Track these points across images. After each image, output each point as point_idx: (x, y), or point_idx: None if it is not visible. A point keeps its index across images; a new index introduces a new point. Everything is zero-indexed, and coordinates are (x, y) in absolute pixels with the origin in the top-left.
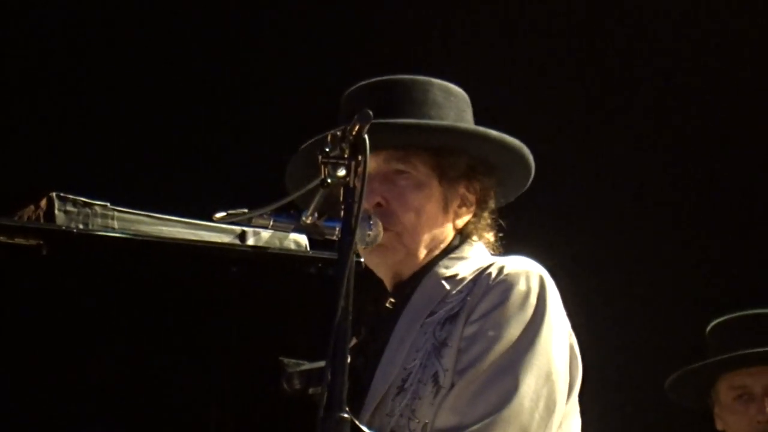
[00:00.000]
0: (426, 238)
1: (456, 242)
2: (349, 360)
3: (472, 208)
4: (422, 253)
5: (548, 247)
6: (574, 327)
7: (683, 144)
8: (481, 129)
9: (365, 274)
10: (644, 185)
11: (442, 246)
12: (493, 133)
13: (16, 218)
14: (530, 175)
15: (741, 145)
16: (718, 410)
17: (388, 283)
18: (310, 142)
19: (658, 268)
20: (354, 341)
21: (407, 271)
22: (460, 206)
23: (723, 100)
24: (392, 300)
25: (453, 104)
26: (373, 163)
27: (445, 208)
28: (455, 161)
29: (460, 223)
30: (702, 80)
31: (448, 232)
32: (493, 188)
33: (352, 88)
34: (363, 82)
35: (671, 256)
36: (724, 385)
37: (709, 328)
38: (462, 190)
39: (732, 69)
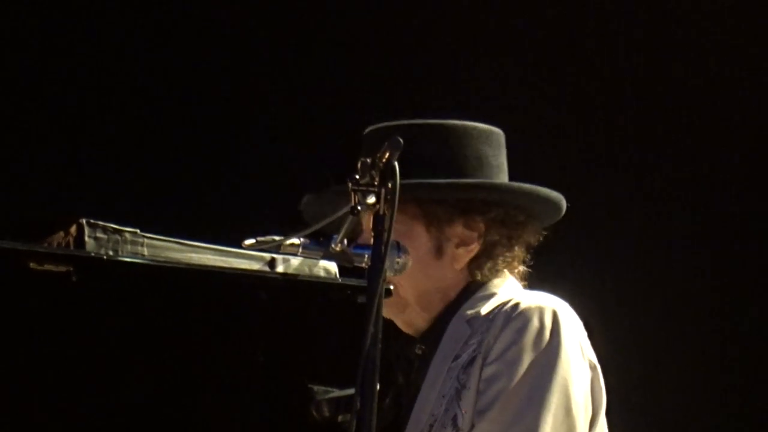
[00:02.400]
0: (428, 287)
1: (472, 283)
2: (387, 407)
3: (474, 246)
4: (432, 302)
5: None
6: (598, 353)
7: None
8: (462, 181)
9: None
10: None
11: (455, 290)
12: (480, 180)
13: (45, 244)
14: (551, 204)
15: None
16: None
17: (409, 332)
18: (326, 189)
19: (684, 297)
20: (392, 390)
21: (421, 320)
22: (458, 246)
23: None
24: (422, 346)
25: (443, 144)
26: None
27: (438, 253)
28: (441, 206)
29: (461, 263)
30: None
31: (448, 275)
32: (502, 220)
33: (370, 129)
34: (382, 124)
35: (699, 285)
36: None
37: None
38: (459, 229)
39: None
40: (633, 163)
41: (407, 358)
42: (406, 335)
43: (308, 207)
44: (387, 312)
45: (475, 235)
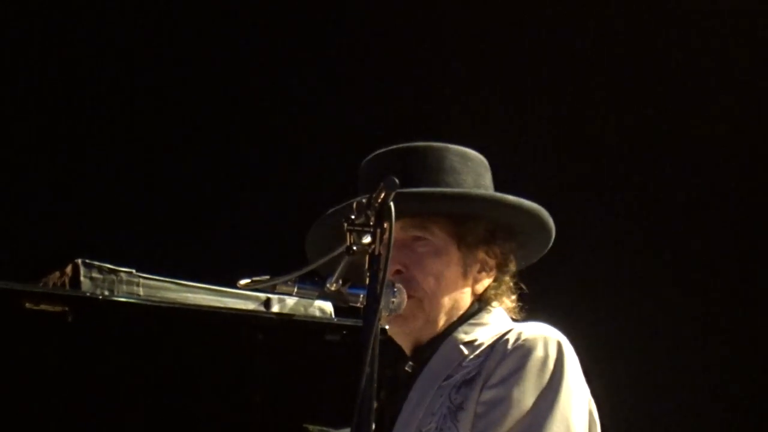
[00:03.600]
0: (446, 304)
1: (475, 308)
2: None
3: (493, 273)
4: (442, 319)
5: (568, 311)
6: (593, 390)
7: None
8: (498, 195)
9: (385, 338)
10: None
11: (461, 312)
12: (510, 198)
13: (41, 284)
14: (551, 237)
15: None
16: None
17: (407, 349)
18: (330, 211)
19: (678, 328)
20: (375, 404)
21: (426, 338)
22: (479, 271)
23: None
24: (411, 363)
25: (470, 169)
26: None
27: (465, 274)
28: (473, 227)
29: (480, 288)
30: (725, 147)
31: (467, 298)
32: (514, 252)
33: (370, 156)
34: (380, 151)
35: (692, 319)
36: None
37: None
38: (482, 255)
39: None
40: (612, 181)
41: (392, 376)
42: (393, 353)
43: (312, 241)
44: (406, 324)
45: (493, 263)
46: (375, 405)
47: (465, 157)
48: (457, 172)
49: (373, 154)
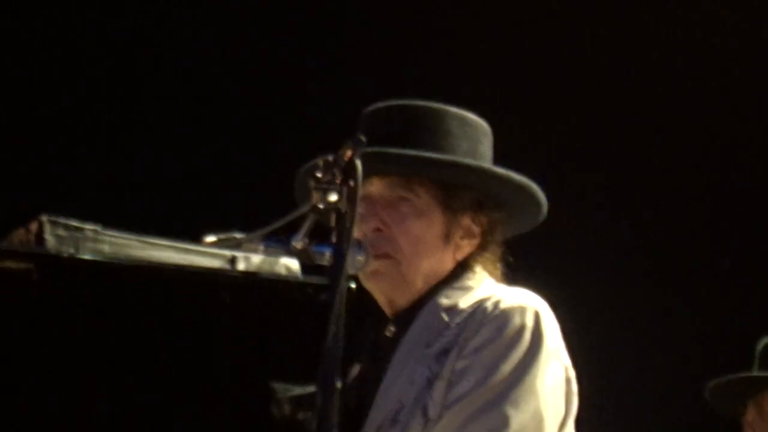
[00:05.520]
0: (424, 266)
1: (457, 272)
2: (349, 388)
3: (476, 241)
4: (419, 281)
5: (555, 278)
6: (573, 358)
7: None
8: (486, 166)
9: (366, 301)
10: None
11: (441, 276)
12: (499, 170)
13: (5, 242)
14: (542, 211)
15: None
16: (759, 422)
17: (386, 310)
18: (312, 163)
19: (663, 303)
20: (357, 369)
21: (404, 300)
22: (462, 238)
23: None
24: (392, 328)
25: (468, 134)
26: (376, 186)
27: (446, 239)
28: (460, 194)
29: (461, 254)
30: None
31: (447, 263)
32: (501, 222)
33: (369, 108)
34: (380, 104)
35: (677, 292)
36: None
37: (763, 343)
38: (467, 221)
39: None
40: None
41: (374, 340)
42: (375, 317)
43: (299, 191)
44: (381, 283)
45: (478, 231)
46: (356, 368)
47: (464, 122)
48: (453, 136)
49: (374, 107)
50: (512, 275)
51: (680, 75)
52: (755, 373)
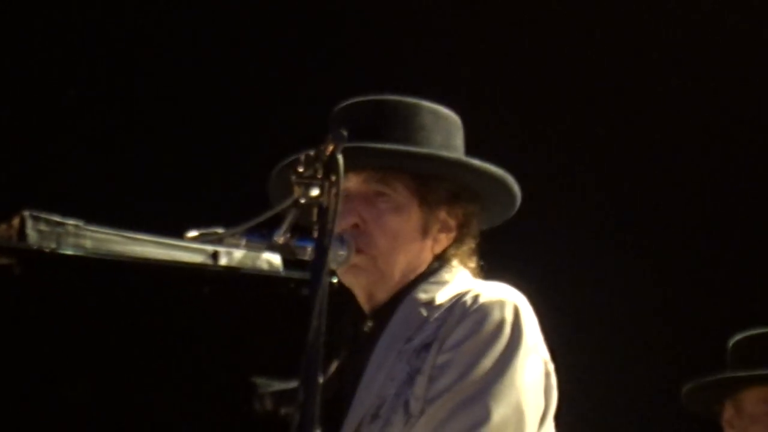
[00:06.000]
0: (401, 261)
1: (435, 266)
2: (328, 383)
3: (453, 234)
4: (397, 276)
5: (532, 270)
6: (552, 352)
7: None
8: (462, 157)
9: (345, 297)
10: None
11: (419, 270)
12: (475, 162)
13: None
14: (515, 203)
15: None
16: (737, 420)
17: (364, 305)
18: (289, 159)
19: (641, 294)
20: (335, 364)
21: (382, 294)
22: (439, 231)
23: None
24: (370, 324)
25: (441, 128)
26: (353, 182)
27: (424, 233)
28: (436, 187)
29: (439, 248)
30: (692, 128)
31: (425, 257)
32: (476, 215)
33: (341, 104)
34: (352, 100)
35: (653, 284)
36: (753, 397)
37: (733, 341)
38: (443, 215)
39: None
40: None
41: (353, 335)
42: (353, 312)
43: (275, 192)
44: (360, 278)
45: (454, 224)
46: (336, 363)
47: (437, 115)
48: (427, 130)
49: (345, 103)
50: (491, 269)
51: (676, 72)
52: (729, 374)
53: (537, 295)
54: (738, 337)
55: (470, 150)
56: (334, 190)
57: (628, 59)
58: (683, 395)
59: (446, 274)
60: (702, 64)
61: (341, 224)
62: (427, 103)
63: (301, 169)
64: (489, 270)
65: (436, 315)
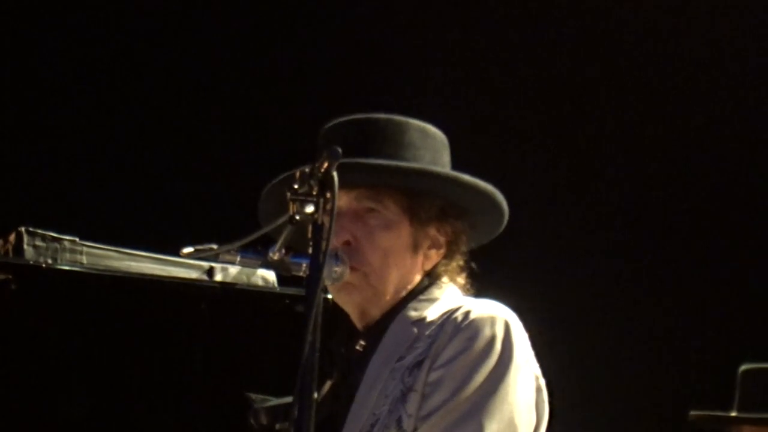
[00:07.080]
0: (393, 278)
1: (425, 283)
2: (322, 402)
3: (442, 251)
4: (389, 293)
5: (521, 289)
6: (542, 367)
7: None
8: (453, 173)
9: (336, 316)
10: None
11: (410, 287)
12: (465, 177)
13: None
14: (504, 219)
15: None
16: None
17: (357, 323)
18: (281, 177)
19: (634, 311)
20: (328, 384)
21: (375, 312)
22: (430, 248)
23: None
24: (362, 342)
25: (429, 145)
26: (344, 199)
27: (415, 250)
28: (427, 203)
29: (429, 264)
30: (687, 134)
31: (416, 274)
32: (466, 231)
33: (330, 124)
34: (340, 119)
35: (644, 304)
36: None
37: (742, 371)
38: (433, 231)
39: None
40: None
41: (345, 355)
42: (344, 331)
43: (264, 210)
44: (352, 295)
45: (444, 240)
46: (328, 383)
47: (425, 133)
48: (415, 147)
49: (333, 122)
50: (481, 285)
51: (665, 87)
52: (734, 413)
53: (528, 312)
54: (748, 367)
55: (456, 168)
56: (329, 207)
57: (617, 73)
58: (689, 419)
59: (436, 291)
60: (716, 67)
61: (333, 242)
62: (415, 121)
63: (296, 186)
64: (480, 286)
65: (427, 332)
